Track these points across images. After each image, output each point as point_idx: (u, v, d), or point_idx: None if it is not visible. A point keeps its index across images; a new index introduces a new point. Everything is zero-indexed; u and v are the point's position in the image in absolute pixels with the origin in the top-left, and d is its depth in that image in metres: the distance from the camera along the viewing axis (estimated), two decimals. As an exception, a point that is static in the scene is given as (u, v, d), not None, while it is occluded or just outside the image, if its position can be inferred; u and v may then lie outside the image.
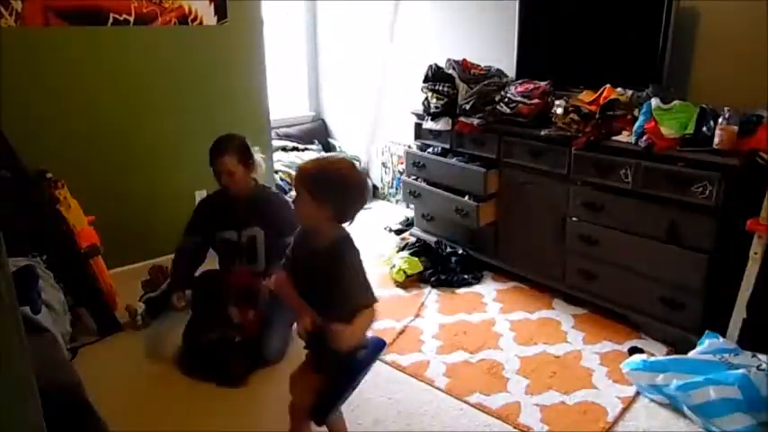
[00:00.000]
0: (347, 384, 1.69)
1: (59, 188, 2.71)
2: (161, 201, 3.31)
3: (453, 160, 3.29)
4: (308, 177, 1.58)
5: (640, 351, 2.48)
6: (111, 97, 3.05)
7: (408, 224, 3.94)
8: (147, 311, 2.83)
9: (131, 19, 3.02)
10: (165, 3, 3.11)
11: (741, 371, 2.02)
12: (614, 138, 2.63)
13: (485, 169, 3.09)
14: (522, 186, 3.03)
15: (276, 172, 4.13)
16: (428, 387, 2.36)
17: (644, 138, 2.47)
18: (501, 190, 3.15)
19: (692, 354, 2.27)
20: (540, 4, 3.14)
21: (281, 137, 4.69)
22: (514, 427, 2.13)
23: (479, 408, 2.22)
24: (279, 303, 2.30)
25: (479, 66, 3.34)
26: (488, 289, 3.17)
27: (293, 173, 4.45)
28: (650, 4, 2.65)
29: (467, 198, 3.19)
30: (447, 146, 3.35)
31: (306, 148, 4.73)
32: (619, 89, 2.70)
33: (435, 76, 3.26)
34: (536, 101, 2.92)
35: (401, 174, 4.21)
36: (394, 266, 3.25)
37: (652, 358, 2.33)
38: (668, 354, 2.49)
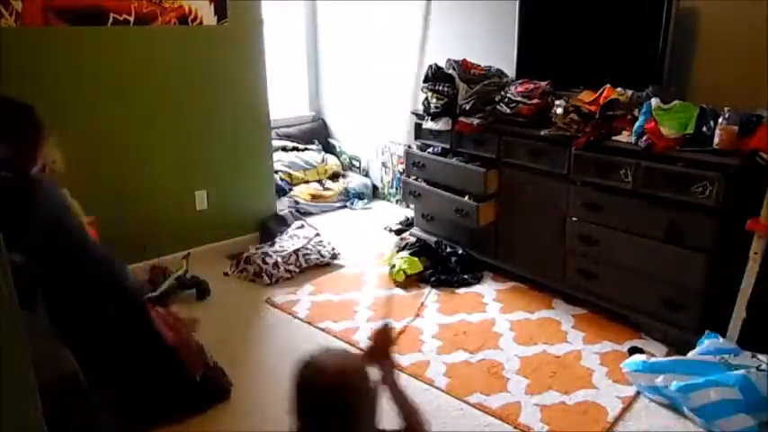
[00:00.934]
0: None
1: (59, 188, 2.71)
2: (161, 201, 3.31)
3: (453, 160, 3.29)
4: None
5: (640, 351, 2.48)
6: (111, 97, 3.05)
7: (408, 224, 3.94)
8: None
9: (131, 19, 3.02)
10: (165, 3, 3.11)
11: (741, 371, 2.02)
12: (614, 138, 2.63)
13: (485, 169, 3.09)
14: (522, 186, 3.03)
15: (276, 172, 4.13)
16: (428, 387, 2.36)
17: (644, 138, 2.47)
18: (501, 190, 3.15)
19: (691, 354, 2.27)
20: (540, 3, 3.14)
21: (281, 137, 4.69)
22: (514, 427, 2.13)
23: (479, 408, 2.22)
24: None
25: (479, 66, 3.34)
26: (488, 289, 3.17)
27: (293, 173, 4.46)
28: (650, 5, 2.65)
29: (467, 198, 3.19)
30: (447, 146, 3.35)
31: (306, 148, 4.73)
32: (619, 89, 2.70)
33: (435, 76, 3.26)
34: (536, 101, 2.92)
35: (401, 174, 4.21)
36: (394, 266, 3.25)
37: (652, 359, 2.33)
38: (668, 354, 2.49)
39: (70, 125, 2.95)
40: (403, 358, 2.54)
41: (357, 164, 4.85)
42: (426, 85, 3.28)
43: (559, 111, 2.77)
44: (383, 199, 4.67)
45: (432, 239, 3.52)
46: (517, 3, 3.17)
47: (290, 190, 4.38)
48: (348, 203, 4.51)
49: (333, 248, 3.53)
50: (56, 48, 2.84)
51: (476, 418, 2.18)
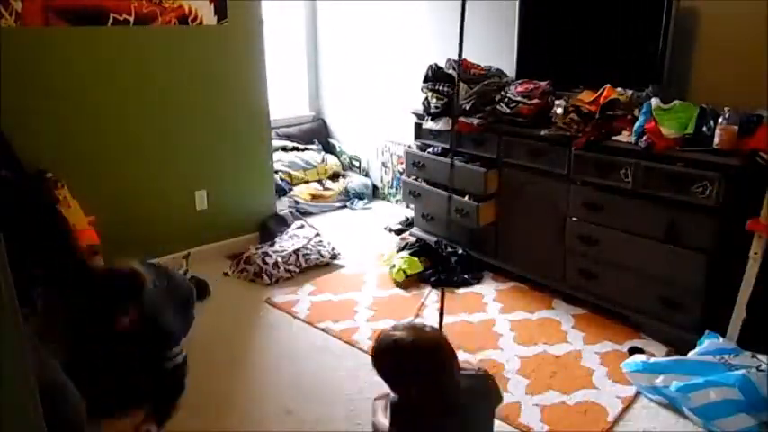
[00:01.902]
0: None
1: (59, 188, 2.71)
2: (161, 201, 3.31)
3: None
4: None
5: (640, 351, 2.48)
6: (111, 97, 3.05)
7: (408, 224, 3.94)
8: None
9: (131, 19, 3.02)
10: (165, 3, 3.11)
11: (741, 371, 2.02)
12: (614, 138, 2.63)
13: (485, 169, 3.09)
14: (522, 186, 3.03)
15: (276, 172, 4.13)
16: (428, 387, 2.36)
17: (644, 138, 2.47)
18: (501, 190, 3.15)
19: (691, 354, 2.27)
20: (540, 3, 3.14)
21: (281, 137, 4.69)
22: (515, 428, 2.13)
23: (479, 408, 2.22)
24: None
25: (479, 66, 3.34)
26: (488, 289, 3.17)
27: (293, 173, 4.46)
28: (650, 5, 2.65)
29: (467, 198, 3.19)
30: (447, 146, 3.35)
31: (306, 148, 4.73)
32: (619, 89, 2.70)
33: (435, 76, 3.26)
34: (536, 101, 2.92)
35: (401, 174, 4.21)
36: (394, 266, 3.25)
37: (651, 359, 2.33)
38: (668, 354, 2.49)
39: (70, 125, 2.95)
40: (403, 358, 2.54)
41: (357, 164, 4.85)
42: (426, 85, 3.28)
43: (559, 111, 2.77)
44: (383, 199, 4.67)
45: (432, 239, 3.52)
46: (517, 3, 3.17)
47: (290, 190, 4.38)
48: (348, 203, 4.51)
49: (333, 248, 3.53)
50: (56, 48, 2.84)
51: (476, 418, 2.18)
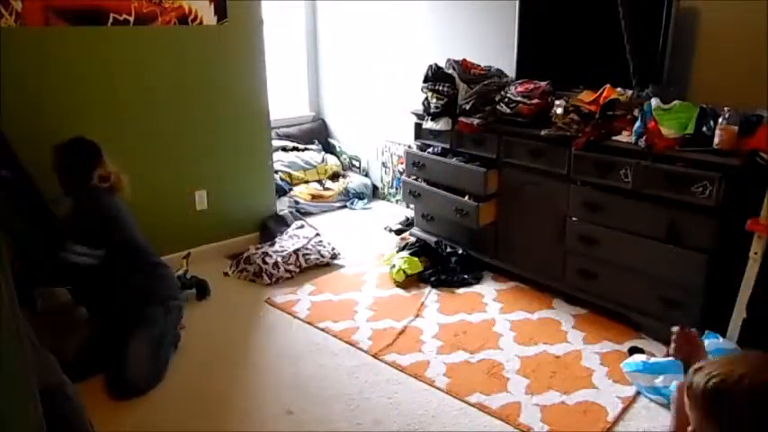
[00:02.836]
0: None
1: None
2: (161, 201, 3.31)
3: (453, 160, 3.29)
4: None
5: (640, 351, 2.48)
6: (111, 97, 3.05)
7: (408, 224, 3.94)
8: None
9: (131, 19, 3.02)
10: (165, 3, 3.11)
11: (741, 371, 2.02)
12: (614, 138, 2.63)
13: (485, 169, 3.09)
14: (522, 186, 3.03)
15: (276, 172, 4.13)
16: (428, 387, 2.36)
17: (644, 138, 2.47)
18: (501, 190, 3.15)
19: (692, 354, 2.27)
20: (540, 3, 3.14)
21: (281, 137, 4.69)
22: (515, 427, 2.13)
23: (479, 408, 2.22)
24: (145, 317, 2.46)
25: (479, 66, 3.34)
26: (488, 289, 3.17)
27: (293, 173, 4.46)
28: (650, 4, 2.65)
29: (467, 198, 3.19)
30: (447, 146, 3.35)
31: (306, 148, 4.73)
32: (619, 89, 2.70)
33: (435, 76, 3.25)
34: (536, 101, 2.92)
35: (401, 174, 4.21)
36: (394, 266, 3.25)
37: (652, 359, 2.33)
38: (668, 354, 2.49)
39: (70, 125, 2.95)
40: (403, 358, 2.54)
41: (357, 164, 4.85)
42: (426, 85, 3.28)
43: (559, 111, 2.76)
44: (383, 199, 4.67)
45: (432, 239, 3.52)
46: (517, 3, 3.17)
47: (290, 190, 4.38)
48: (348, 203, 4.51)
49: (333, 248, 3.53)
50: (56, 48, 2.84)
51: (476, 418, 2.18)
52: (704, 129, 2.38)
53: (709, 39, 2.68)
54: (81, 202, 2.57)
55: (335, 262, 3.49)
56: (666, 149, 2.42)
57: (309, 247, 3.47)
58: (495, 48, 3.50)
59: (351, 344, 2.66)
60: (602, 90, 2.70)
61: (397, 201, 4.53)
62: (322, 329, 2.79)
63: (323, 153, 4.78)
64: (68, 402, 1.72)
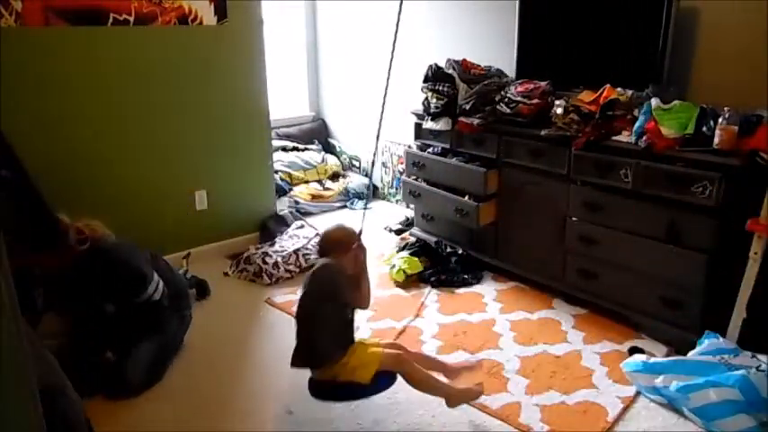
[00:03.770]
0: None
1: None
2: (161, 201, 3.32)
3: (453, 160, 3.29)
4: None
5: (640, 351, 2.48)
6: (111, 97, 3.05)
7: (408, 224, 3.94)
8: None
9: (131, 19, 3.02)
10: (165, 3, 3.11)
11: (741, 372, 2.02)
12: (614, 138, 2.63)
13: (485, 169, 3.09)
14: (522, 186, 3.03)
15: (276, 172, 4.13)
16: (428, 387, 2.36)
17: (644, 138, 2.47)
18: (501, 190, 3.15)
19: (691, 354, 2.27)
20: (539, 4, 3.14)
21: (281, 137, 4.69)
22: (515, 428, 2.13)
23: (479, 408, 2.22)
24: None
25: (479, 66, 3.34)
26: (488, 289, 3.17)
27: (293, 173, 4.46)
28: (650, 4, 2.65)
29: (467, 198, 3.19)
30: (447, 146, 3.35)
31: (306, 148, 4.73)
32: (619, 89, 2.70)
33: (435, 76, 3.26)
34: (536, 101, 2.92)
35: (401, 174, 4.21)
36: (394, 266, 3.25)
37: (652, 359, 2.33)
38: (668, 354, 2.49)
39: (70, 125, 2.95)
40: (403, 358, 2.53)
41: (357, 164, 4.85)
42: (426, 85, 3.28)
43: (559, 111, 2.76)
44: (383, 199, 4.67)
45: (432, 239, 3.52)
46: (517, 3, 3.17)
47: (290, 190, 4.38)
48: (348, 203, 4.51)
49: (333, 248, 3.52)
50: (56, 48, 2.84)
51: (476, 418, 2.18)
52: (704, 129, 2.38)
53: (710, 39, 2.68)
54: (85, 268, 2.40)
55: (335, 262, 3.48)
56: (666, 149, 2.42)
57: (309, 247, 3.47)
58: (495, 48, 3.50)
59: (351, 344, 2.65)
60: (602, 90, 2.70)
61: (397, 201, 4.53)
62: (322, 329, 2.78)
63: (323, 153, 4.78)
64: (68, 402, 1.72)
